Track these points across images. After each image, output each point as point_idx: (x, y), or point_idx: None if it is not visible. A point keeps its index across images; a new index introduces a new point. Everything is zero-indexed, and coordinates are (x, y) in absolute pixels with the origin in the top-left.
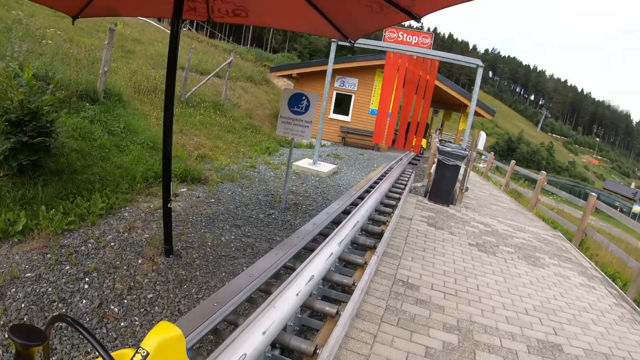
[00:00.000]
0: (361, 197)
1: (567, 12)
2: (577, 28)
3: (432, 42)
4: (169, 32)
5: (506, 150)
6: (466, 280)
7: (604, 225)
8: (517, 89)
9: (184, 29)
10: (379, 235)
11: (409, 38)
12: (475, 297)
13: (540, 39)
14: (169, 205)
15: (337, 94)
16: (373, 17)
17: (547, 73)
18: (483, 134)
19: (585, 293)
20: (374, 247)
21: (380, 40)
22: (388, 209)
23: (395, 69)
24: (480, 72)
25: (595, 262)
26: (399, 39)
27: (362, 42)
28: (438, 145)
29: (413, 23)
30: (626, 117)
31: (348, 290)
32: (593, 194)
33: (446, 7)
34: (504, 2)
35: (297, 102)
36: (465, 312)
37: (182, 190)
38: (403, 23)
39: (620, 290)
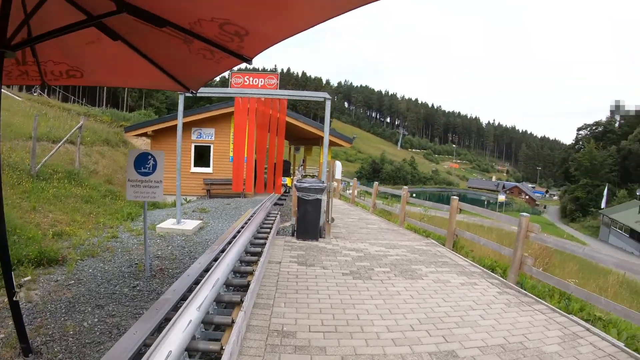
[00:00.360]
0: (224, 250)
1: (404, 37)
2: (420, 50)
3: (278, 82)
4: (17, 98)
5: (372, 172)
6: (345, 312)
7: (477, 220)
8: (374, 114)
9: (35, 94)
10: (246, 288)
11: (256, 81)
12: (357, 327)
13: (386, 65)
14: (15, 298)
15: (195, 146)
16: (207, 64)
17: (399, 95)
18: (338, 163)
19: (468, 291)
20: (241, 302)
21: (228, 87)
22: (254, 257)
23: (245, 114)
24: (328, 104)
25: (472, 258)
26: (245, 83)
27: (205, 92)
28: (295, 182)
29: (267, 64)
30: (476, 120)
31: (218, 356)
32: (454, 197)
33: (274, 44)
34: (346, 35)
35: (144, 163)
36: (349, 346)
37: (26, 279)
38: (258, 68)
39: (501, 279)
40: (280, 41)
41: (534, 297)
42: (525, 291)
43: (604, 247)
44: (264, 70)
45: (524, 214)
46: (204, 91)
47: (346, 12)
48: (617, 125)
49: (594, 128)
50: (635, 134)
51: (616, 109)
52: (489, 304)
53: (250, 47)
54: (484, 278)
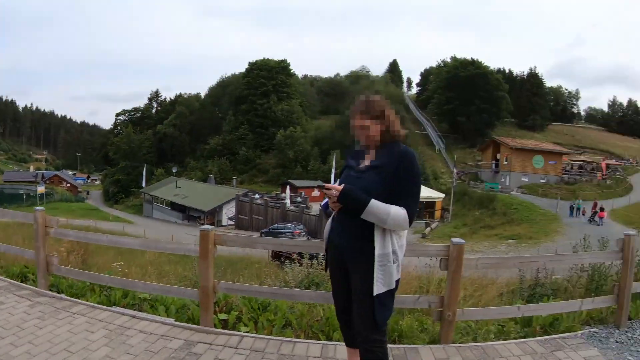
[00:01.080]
0: None
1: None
2: None
3: None
4: None
5: None
6: None
7: (30, 220)
8: None
9: None
10: None
11: None
12: None
13: None
14: None
15: None
16: None
17: None
18: None
19: None
20: None
21: None
22: None
23: None
24: None
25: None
26: None
27: None
28: None
29: None
30: (12, 104)
31: None
32: None
33: None
34: None
35: None
36: None
37: None
38: None
39: (33, 287)
40: None
41: (72, 299)
42: (61, 295)
43: (149, 221)
44: None
45: (39, 208)
46: None
47: None
48: (154, 111)
49: (132, 114)
50: (170, 119)
51: (155, 96)
52: (20, 325)
53: None
54: (12, 292)
